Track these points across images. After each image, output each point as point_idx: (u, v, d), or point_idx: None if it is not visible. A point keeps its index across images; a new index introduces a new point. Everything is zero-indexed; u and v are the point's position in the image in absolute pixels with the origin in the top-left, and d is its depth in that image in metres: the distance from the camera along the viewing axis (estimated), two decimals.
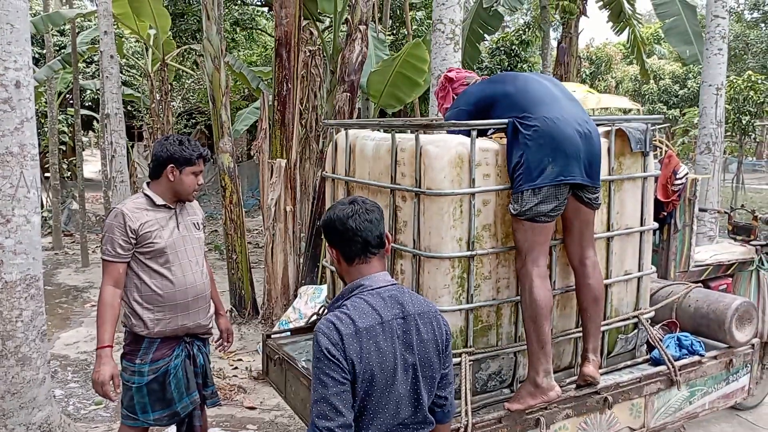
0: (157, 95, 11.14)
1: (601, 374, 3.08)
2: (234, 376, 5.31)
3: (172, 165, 3.02)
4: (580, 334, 2.99)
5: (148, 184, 3.12)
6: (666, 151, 4.17)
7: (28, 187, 3.64)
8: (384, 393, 1.89)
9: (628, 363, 3.24)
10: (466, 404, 2.65)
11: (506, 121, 2.78)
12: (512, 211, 2.72)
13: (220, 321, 3.47)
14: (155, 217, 3.03)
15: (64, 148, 15.01)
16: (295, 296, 6.22)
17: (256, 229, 12.26)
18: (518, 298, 2.84)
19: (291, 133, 6.81)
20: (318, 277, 6.70)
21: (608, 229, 3.08)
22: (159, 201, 3.06)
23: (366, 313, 1.90)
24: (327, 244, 2.07)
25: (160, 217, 3.05)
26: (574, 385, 2.93)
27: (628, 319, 3.20)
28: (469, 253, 2.73)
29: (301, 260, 6.92)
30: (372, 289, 1.95)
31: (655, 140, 4.18)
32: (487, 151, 2.77)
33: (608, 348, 3.17)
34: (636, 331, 3.26)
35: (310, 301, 5.63)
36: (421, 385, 1.95)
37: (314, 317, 3.91)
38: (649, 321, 3.29)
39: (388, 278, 2.02)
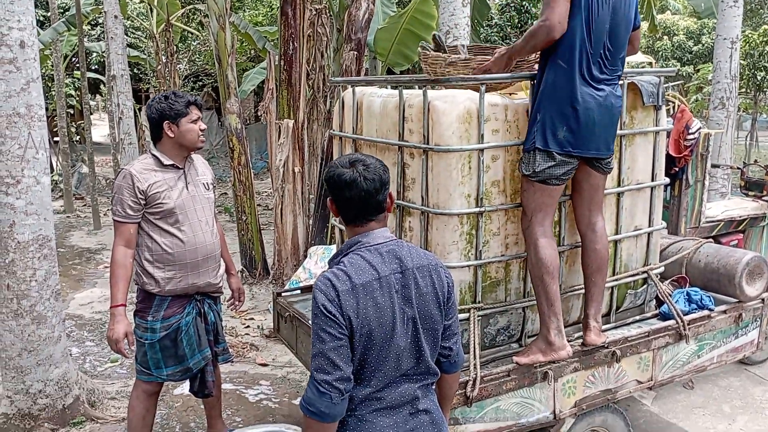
0: (163, 57, 11.03)
1: (610, 328, 3.11)
2: (246, 334, 5.39)
3: (167, 122, 3.02)
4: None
5: (154, 145, 3.12)
6: (679, 106, 4.10)
7: (36, 148, 3.64)
8: (384, 346, 1.91)
9: (637, 318, 3.25)
10: (475, 358, 2.68)
11: (523, 74, 2.79)
12: (523, 171, 2.69)
13: (231, 281, 3.50)
14: (164, 178, 3.04)
15: (72, 112, 14.99)
16: (305, 256, 6.25)
17: (266, 192, 12.27)
18: (526, 254, 2.84)
19: (298, 93, 6.75)
20: (327, 237, 6.73)
21: (619, 185, 3.05)
22: (167, 161, 3.06)
23: (363, 269, 1.91)
24: (328, 198, 2.06)
25: (169, 178, 3.05)
26: (581, 340, 2.95)
27: (637, 274, 3.20)
28: (477, 209, 2.72)
29: (311, 221, 6.93)
30: (370, 246, 1.96)
31: (668, 95, 4.11)
32: (496, 106, 2.73)
33: (617, 303, 3.18)
34: (645, 286, 3.26)
35: (320, 261, 5.66)
36: (422, 337, 1.96)
37: None
38: (659, 276, 3.28)
39: (387, 234, 2.01)
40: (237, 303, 3.53)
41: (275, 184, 6.89)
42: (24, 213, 3.62)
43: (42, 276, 3.71)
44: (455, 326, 2.09)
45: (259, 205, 8.30)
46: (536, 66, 2.82)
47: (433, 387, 2.07)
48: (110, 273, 3.01)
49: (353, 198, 1.95)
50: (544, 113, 2.64)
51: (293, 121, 6.67)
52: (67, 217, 10.13)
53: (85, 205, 11.06)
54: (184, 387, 4.29)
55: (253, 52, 14.44)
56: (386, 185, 2.00)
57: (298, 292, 3.98)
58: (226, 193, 12.35)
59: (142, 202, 2.98)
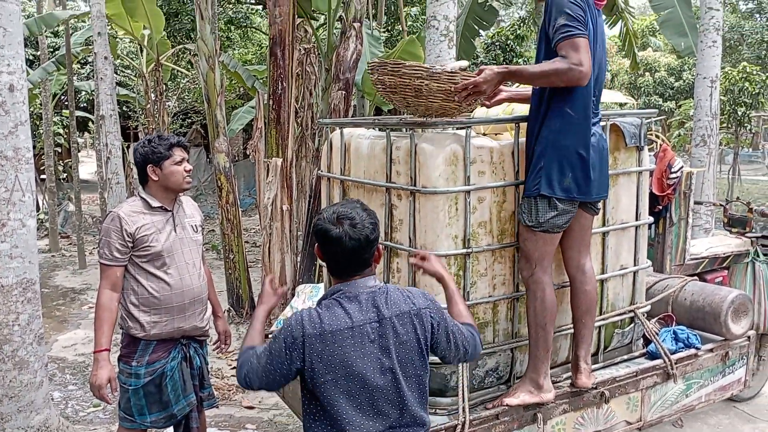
0: (152, 95, 11.10)
1: (598, 369, 3.10)
2: (232, 375, 5.31)
3: (150, 165, 3.03)
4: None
5: (143, 188, 3.12)
6: (661, 145, 4.18)
7: (23, 191, 3.63)
8: (355, 396, 1.90)
9: (625, 357, 3.26)
10: (464, 401, 2.66)
11: (508, 117, 2.82)
12: (526, 222, 2.71)
13: (218, 323, 3.47)
14: (152, 221, 3.03)
15: (60, 150, 14.98)
16: (293, 295, 6.21)
17: (253, 229, 12.25)
18: (515, 294, 2.86)
19: (287, 131, 6.80)
20: (315, 275, 6.71)
21: (604, 224, 3.09)
22: (155, 203, 3.06)
23: (337, 317, 1.94)
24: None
25: (157, 221, 3.05)
26: (569, 381, 2.95)
27: (624, 313, 3.21)
28: (465, 250, 2.73)
29: (299, 259, 6.91)
30: (350, 294, 1.98)
31: (650, 134, 4.19)
32: (482, 148, 2.77)
33: (605, 343, 3.18)
34: (632, 325, 3.27)
35: (308, 299, 5.61)
36: (404, 386, 1.95)
37: None
38: (646, 315, 3.30)
39: (370, 284, 2.02)
40: (223, 345, 3.49)
41: (263, 222, 6.88)
42: (8, 256, 3.59)
43: (25, 320, 3.66)
44: (459, 343, 2.08)
45: (246, 242, 8.28)
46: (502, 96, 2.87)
47: None
48: (95, 316, 2.97)
49: (338, 254, 1.98)
50: (549, 161, 2.63)
51: (282, 159, 6.70)
52: (52, 256, 10.03)
53: (70, 243, 10.97)
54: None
55: (242, 89, 14.57)
56: (373, 243, 2.01)
57: None
58: (213, 230, 12.31)
59: (130, 244, 2.97)
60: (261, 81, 10.43)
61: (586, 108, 2.63)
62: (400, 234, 2.86)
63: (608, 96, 4.86)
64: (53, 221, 10.52)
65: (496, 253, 2.84)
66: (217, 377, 5.12)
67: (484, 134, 3.10)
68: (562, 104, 2.60)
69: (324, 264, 2.10)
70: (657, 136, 4.34)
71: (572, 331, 3.00)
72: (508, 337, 2.91)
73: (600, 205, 2.88)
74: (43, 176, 11.02)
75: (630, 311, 3.22)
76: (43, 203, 12.06)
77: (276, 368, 1.94)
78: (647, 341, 3.31)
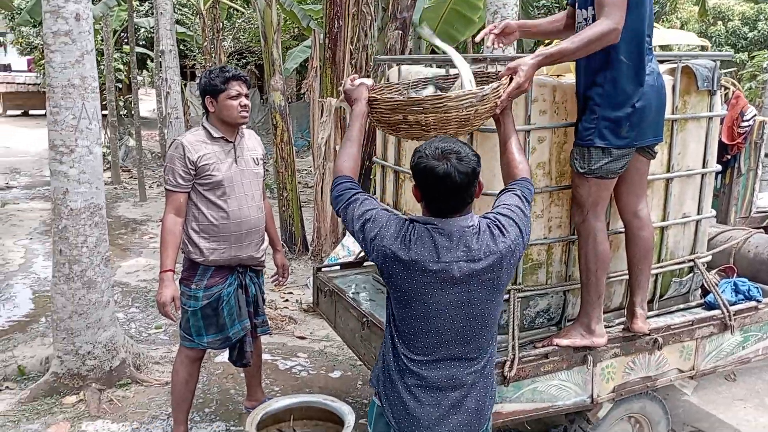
0: (209, 33, 11.15)
1: (653, 316, 3.06)
2: (285, 307, 5.49)
3: (207, 96, 3.09)
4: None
5: (206, 118, 3.18)
6: (734, 92, 3.98)
7: (89, 119, 3.75)
8: (424, 323, 1.92)
9: (681, 306, 3.20)
10: (513, 339, 2.68)
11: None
12: (579, 169, 2.63)
13: (276, 256, 3.56)
14: (213, 150, 3.10)
15: (120, 86, 15.31)
16: (344, 234, 6.31)
17: (306, 170, 12.37)
18: (570, 237, 2.82)
19: (342, 71, 6.76)
20: None
21: (668, 170, 2.99)
22: (216, 134, 3.12)
23: (425, 248, 1.88)
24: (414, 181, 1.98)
25: (219, 150, 3.12)
26: (622, 326, 2.92)
27: (683, 262, 3.14)
28: None
29: None
30: (443, 231, 1.91)
31: (723, 80, 3.99)
32: (544, 86, 2.70)
33: (661, 291, 3.13)
34: (691, 274, 3.20)
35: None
36: (473, 325, 1.96)
37: (363, 254, 3.97)
38: (706, 265, 3.22)
39: (466, 223, 1.93)
40: (281, 279, 3.60)
41: (316, 161, 6.94)
42: (77, 182, 3.75)
43: (93, 243, 3.84)
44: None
45: (299, 182, 8.39)
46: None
47: (487, 370, 2.06)
48: (161, 239, 3.10)
49: (444, 192, 1.88)
50: (604, 112, 2.53)
51: (336, 99, 6.69)
52: (114, 188, 10.41)
53: (131, 177, 11.35)
54: (225, 355, 4.41)
55: (296, 30, 14.47)
56: (477, 176, 1.93)
57: (338, 267, 4.03)
58: (267, 170, 12.49)
59: (192, 172, 3.05)
60: (316, 21, 10.32)
61: (640, 52, 2.50)
62: None
63: (683, 37, 4.61)
64: (115, 155, 10.87)
65: (553, 195, 2.80)
66: (270, 308, 5.29)
67: (547, 74, 3.01)
68: (616, 53, 2.47)
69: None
70: (733, 84, 4.12)
71: (627, 277, 2.96)
72: (561, 280, 2.89)
73: (657, 148, 2.77)
74: (104, 111, 11.32)
75: (690, 260, 3.14)
76: (104, 137, 12.44)
77: (356, 235, 2.00)
78: (705, 292, 3.23)
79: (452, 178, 1.86)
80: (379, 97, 2.33)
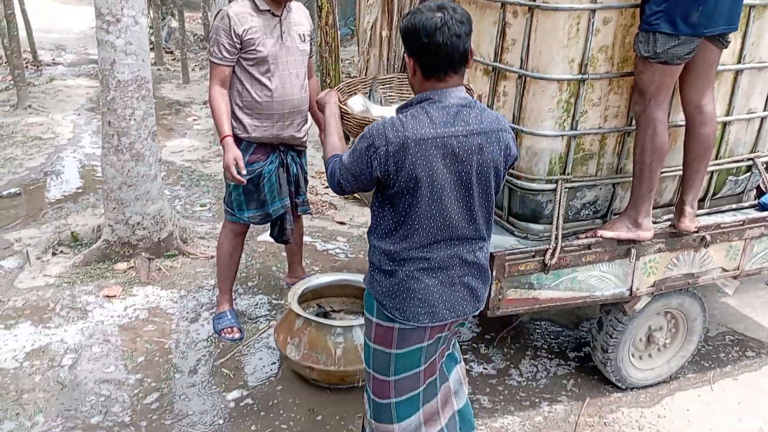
0: None
1: (703, 214, 3.00)
2: (325, 193, 5.55)
3: None
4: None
5: None
6: None
7: None
8: (430, 204, 1.91)
9: (733, 206, 3.11)
10: (557, 229, 2.66)
11: None
12: (642, 52, 2.47)
13: (322, 137, 3.51)
14: (260, 24, 3.02)
15: None
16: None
17: (348, 59, 12.08)
18: (627, 128, 2.71)
19: None
20: None
21: (739, 61, 2.80)
22: (263, 6, 3.02)
23: (423, 125, 1.86)
24: (404, 52, 1.94)
25: (265, 25, 3.03)
26: (669, 223, 2.87)
27: (742, 160, 3.01)
28: (580, 76, 2.57)
29: None
30: (439, 104, 1.90)
31: None
32: None
33: (714, 189, 3.03)
34: (748, 174, 3.08)
35: None
36: (476, 202, 1.96)
37: None
38: (766, 165, 3.09)
39: (461, 94, 1.92)
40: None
41: (361, 47, 6.74)
42: (124, 53, 3.72)
43: (140, 116, 3.87)
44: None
45: (341, 72, 8.21)
46: None
47: (484, 254, 2.08)
48: (212, 111, 3.10)
49: (440, 46, 1.83)
50: None
51: None
52: (158, 69, 10.38)
53: (174, 59, 11.27)
54: (267, 234, 4.53)
55: None
56: (470, 35, 1.90)
57: None
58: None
59: (238, 45, 2.99)
60: None
61: None
62: (511, 55, 2.71)
63: None
64: (158, 35, 10.75)
65: (614, 82, 2.66)
66: (311, 193, 5.36)
67: None
68: None
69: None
70: None
71: (681, 173, 2.87)
72: (611, 172, 2.81)
73: (731, 37, 2.59)
74: None
75: (749, 159, 3.02)
76: (148, 16, 12.27)
77: (362, 173, 1.94)
78: (760, 193, 3.13)
79: (450, 26, 1.82)
80: (346, 110, 2.36)
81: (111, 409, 2.87)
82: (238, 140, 3.17)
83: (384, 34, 6.63)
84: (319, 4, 6.72)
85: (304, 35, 3.20)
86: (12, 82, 7.95)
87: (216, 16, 3.08)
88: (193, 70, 10.24)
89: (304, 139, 3.37)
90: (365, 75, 6.69)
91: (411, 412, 2.17)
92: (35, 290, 3.76)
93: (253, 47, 3.01)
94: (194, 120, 7.68)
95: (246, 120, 3.13)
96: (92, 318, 3.52)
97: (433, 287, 1.98)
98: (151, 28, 11.18)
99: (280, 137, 3.21)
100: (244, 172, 3.04)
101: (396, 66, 6.94)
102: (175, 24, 11.88)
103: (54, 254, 4.18)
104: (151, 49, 11.06)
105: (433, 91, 1.91)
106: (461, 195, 1.94)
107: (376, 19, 6.49)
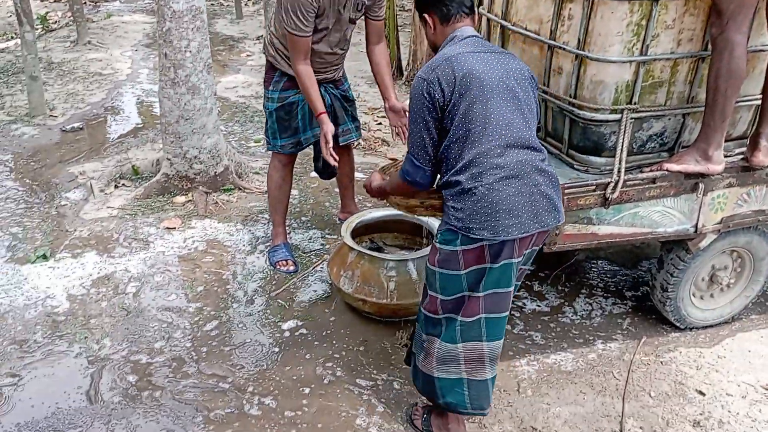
0: None
1: None
2: (378, 130, 5.49)
3: None
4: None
5: None
6: None
7: None
8: (485, 105, 2.07)
9: None
10: (620, 162, 2.54)
11: None
12: None
13: (388, 105, 3.32)
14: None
15: None
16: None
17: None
18: (702, 53, 2.53)
19: None
20: None
21: None
22: None
23: (456, 49, 2.17)
24: (422, 16, 2.31)
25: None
26: (741, 156, 2.71)
27: None
28: None
29: None
30: (463, 37, 2.23)
31: None
32: None
33: None
34: None
35: None
36: (524, 107, 2.14)
37: None
38: None
39: (474, 32, 2.28)
40: (396, 128, 3.39)
41: (411, 35, 6.52)
42: None
43: (195, 48, 3.87)
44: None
45: (396, 5, 7.99)
46: None
47: (550, 166, 2.19)
48: (302, 89, 3.08)
49: None
50: None
51: None
52: (211, 4, 10.33)
53: None
54: None
55: None
56: None
57: None
58: None
59: (313, 18, 2.94)
60: None
61: None
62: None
63: None
64: None
65: (690, 2, 2.46)
66: (364, 130, 5.30)
67: None
68: None
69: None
70: None
71: (759, 103, 2.68)
72: (682, 102, 2.64)
73: None
74: None
75: None
76: None
77: (426, 124, 2.15)
78: None
79: None
80: (397, 202, 2.56)
81: (173, 335, 2.98)
82: (273, 69, 3.21)
83: None
84: None
85: (360, 5, 3.10)
86: (72, 18, 8.07)
87: None
88: (245, 5, 10.14)
89: (339, 77, 3.33)
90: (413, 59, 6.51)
91: (500, 334, 2.24)
92: (99, 221, 3.91)
93: (319, 17, 2.97)
94: (248, 56, 7.66)
95: (282, 55, 3.14)
96: (153, 249, 3.64)
97: (515, 196, 2.05)
98: None
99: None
100: (330, 145, 3.04)
101: None
102: None
103: (116, 187, 4.31)
104: None
105: (452, 33, 2.25)
106: (509, 98, 2.12)
107: None
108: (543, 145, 2.41)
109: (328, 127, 3.03)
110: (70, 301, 3.19)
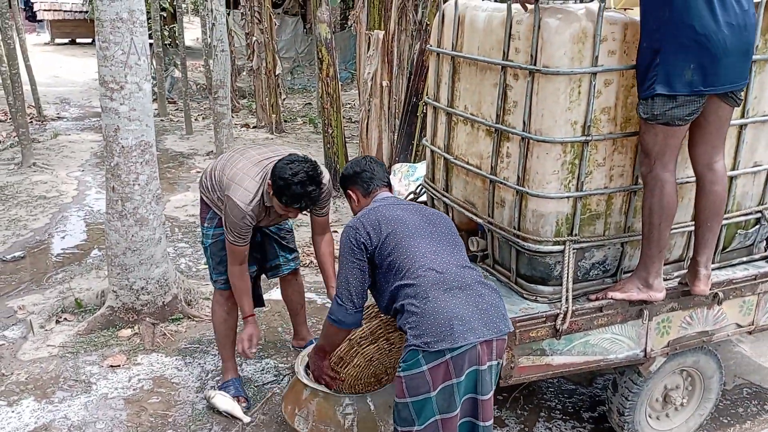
0: None
1: (714, 269, 2.94)
2: None
3: (277, 191, 2.89)
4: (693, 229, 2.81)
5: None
6: None
7: (138, 54, 3.71)
8: (411, 236, 2.34)
9: (744, 259, 3.06)
10: (567, 291, 2.61)
11: None
12: (642, 114, 2.46)
13: (330, 293, 3.35)
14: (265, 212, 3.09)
15: (165, 15, 15.17)
16: (389, 174, 6.23)
17: (349, 104, 12.20)
18: (633, 187, 2.69)
19: (390, 2, 6.51)
20: (412, 154, 6.66)
21: (742, 116, 2.78)
22: (268, 203, 3.01)
23: (378, 203, 2.54)
24: (346, 193, 2.70)
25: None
26: (679, 280, 2.82)
27: (750, 213, 2.98)
28: (583, 138, 2.56)
29: (396, 137, 6.86)
30: (382, 198, 2.60)
31: None
32: (615, 24, 2.50)
33: (724, 243, 2.98)
34: (757, 227, 3.04)
35: (404, 178, 5.61)
36: (449, 242, 2.41)
37: (410, 195, 3.90)
38: None
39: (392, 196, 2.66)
40: None
41: (362, 97, 6.80)
42: (127, 119, 3.75)
43: (144, 180, 3.87)
44: None
45: (342, 117, 8.28)
46: None
47: (487, 281, 2.38)
48: (233, 288, 3.17)
49: (370, 169, 2.70)
50: (666, 52, 2.33)
51: (383, 32, 6.48)
52: (161, 120, 10.48)
53: (177, 109, 11.39)
54: (272, 292, 4.48)
55: None
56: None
57: None
58: (310, 104, 12.39)
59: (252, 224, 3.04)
60: None
61: None
62: (513, 117, 2.71)
63: None
64: (161, 86, 10.88)
65: (617, 142, 2.65)
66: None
67: (615, 7, 2.80)
68: None
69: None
70: None
71: (691, 229, 2.83)
72: (619, 231, 2.78)
73: (742, 95, 2.58)
74: (150, 41, 11.28)
75: (757, 212, 2.98)
76: (151, 69, 12.45)
77: (358, 263, 2.39)
78: None
79: (369, 163, 2.77)
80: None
81: None
82: (207, 207, 3.22)
83: (384, 83, 6.70)
84: (320, 56, 6.81)
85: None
86: (17, 139, 8.02)
87: (232, 207, 2.96)
88: (195, 120, 10.33)
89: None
90: (366, 125, 6.73)
91: None
92: (39, 362, 3.71)
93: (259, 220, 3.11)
94: (197, 172, 7.70)
95: (215, 205, 3.16)
96: (96, 391, 3.45)
97: (463, 306, 2.19)
98: (154, 78, 11.34)
99: None
100: (254, 350, 3.21)
101: (396, 112, 6.99)
102: (177, 74, 12.04)
103: (57, 322, 4.13)
104: (154, 100, 11.21)
105: (373, 200, 2.60)
106: (432, 231, 2.41)
107: (376, 70, 6.56)
108: (491, 273, 2.67)
109: (252, 331, 3.15)
110: None
